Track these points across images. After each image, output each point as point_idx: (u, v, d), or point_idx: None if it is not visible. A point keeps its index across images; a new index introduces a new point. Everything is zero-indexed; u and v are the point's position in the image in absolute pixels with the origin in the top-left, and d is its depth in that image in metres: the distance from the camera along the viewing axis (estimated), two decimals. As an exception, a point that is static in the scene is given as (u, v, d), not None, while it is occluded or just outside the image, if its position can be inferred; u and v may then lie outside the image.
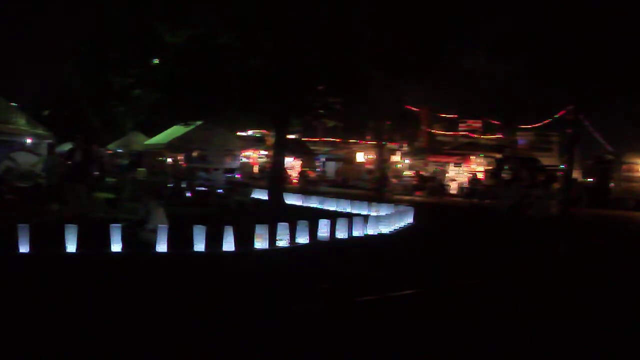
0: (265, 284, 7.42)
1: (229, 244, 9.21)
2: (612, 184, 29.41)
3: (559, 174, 27.73)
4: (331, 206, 18.15)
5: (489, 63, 26.46)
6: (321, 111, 21.42)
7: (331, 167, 39.21)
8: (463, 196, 28.94)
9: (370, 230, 12.06)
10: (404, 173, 34.65)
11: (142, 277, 7.58)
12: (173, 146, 23.62)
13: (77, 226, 8.61)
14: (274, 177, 20.05)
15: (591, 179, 31.04)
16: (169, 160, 25.34)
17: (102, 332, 5.14)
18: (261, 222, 9.76)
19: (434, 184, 31.09)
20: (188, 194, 18.23)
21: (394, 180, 32.19)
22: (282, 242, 9.78)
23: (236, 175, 22.20)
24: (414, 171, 33.48)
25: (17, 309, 5.76)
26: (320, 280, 7.38)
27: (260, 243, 9.53)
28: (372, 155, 35.35)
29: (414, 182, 31.89)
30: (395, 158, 37.10)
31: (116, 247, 8.72)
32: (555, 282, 8.65)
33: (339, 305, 6.48)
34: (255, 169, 37.47)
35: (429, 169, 34.05)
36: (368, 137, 37.38)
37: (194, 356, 4.76)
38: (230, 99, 19.28)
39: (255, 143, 37.25)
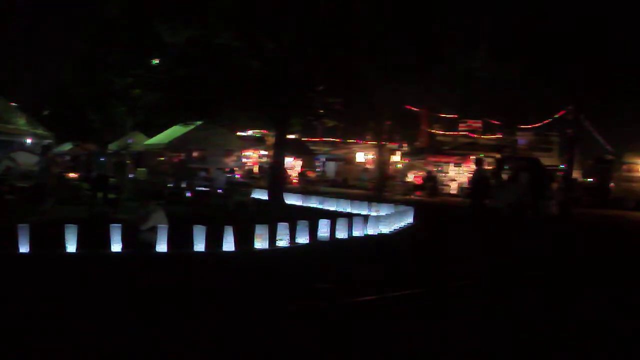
0: (265, 284, 7.42)
1: (229, 244, 9.21)
2: (612, 184, 29.40)
3: (559, 174, 27.72)
4: (331, 206, 18.13)
5: (489, 64, 26.47)
6: (321, 111, 21.44)
7: (331, 167, 39.19)
8: (463, 196, 28.91)
9: (370, 230, 12.06)
10: (409, 173, 34.56)
11: (142, 277, 7.58)
12: (173, 146, 23.65)
13: (77, 226, 8.62)
14: (274, 177, 20.06)
15: (591, 179, 31.03)
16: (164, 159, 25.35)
17: (101, 332, 5.15)
18: (261, 222, 9.76)
19: (434, 184, 31.08)
20: (188, 194, 18.24)
21: (396, 179, 32.16)
22: (282, 242, 9.78)
23: (236, 175, 22.19)
24: (423, 171, 33.29)
25: (17, 310, 5.76)
26: (316, 280, 7.40)
27: (260, 243, 9.53)
28: (372, 155, 35.33)
29: (415, 182, 31.86)
30: (395, 158, 37.08)
31: (116, 247, 8.73)
32: (555, 283, 8.64)
33: (338, 305, 6.49)
34: (256, 169, 37.47)
35: (431, 169, 34.02)
36: (368, 137, 37.37)
37: (193, 356, 4.76)
38: (231, 99, 19.29)
39: (255, 143, 37.25)
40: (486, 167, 26.81)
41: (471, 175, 20.60)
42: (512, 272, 9.34)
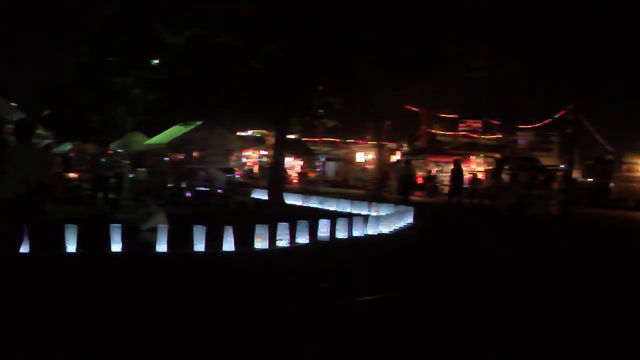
0: (265, 284, 7.42)
1: (229, 244, 9.21)
2: (612, 184, 29.42)
3: (559, 174, 27.73)
4: (331, 206, 18.13)
5: (489, 63, 26.48)
6: (321, 111, 21.45)
7: (331, 167, 39.23)
8: (463, 196, 28.87)
9: (370, 230, 12.06)
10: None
11: (142, 277, 7.58)
12: (173, 146, 23.65)
13: (77, 226, 8.61)
14: (274, 177, 20.06)
15: (591, 179, 31.05)
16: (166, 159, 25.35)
17: (101, 332, 5.15)
18: (261, 222, 9.76)
19: (434, 184, 31.07)
20: (188, 194, 18.22)
21: (392, 180, 32.13)
22: (282, 242, 9.78)
23: (236, 175, 22.18)
24: (423, 171, 33.22)
25: (17, 310, 5.76)
26: (320, 280, 7.40)
27: (260, 243, 9.53)
28: (372, 155, 35.34)
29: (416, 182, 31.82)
30: (395, 158, 37.09)
31: (116, 247, 8.72)
32: (554, 284, 8.65)
33: (338, 305, 6.49)
34: (256, 169, 37.49)
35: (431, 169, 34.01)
36: (368, 137, 37.39)
37: (193, 356, 4.76)
38: (231, 99, 19.30)
39: (255, 143, 37.26)
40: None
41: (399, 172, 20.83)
42: (512, 272, 9.34)
